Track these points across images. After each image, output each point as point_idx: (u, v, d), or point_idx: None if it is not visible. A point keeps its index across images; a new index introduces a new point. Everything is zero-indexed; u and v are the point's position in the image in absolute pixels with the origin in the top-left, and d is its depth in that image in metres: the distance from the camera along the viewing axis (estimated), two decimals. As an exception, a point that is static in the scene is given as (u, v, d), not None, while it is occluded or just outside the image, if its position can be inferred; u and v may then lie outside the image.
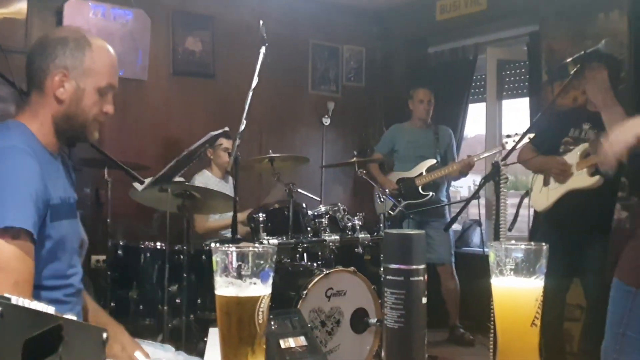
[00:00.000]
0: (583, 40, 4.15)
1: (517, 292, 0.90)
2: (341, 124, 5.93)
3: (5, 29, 4.25)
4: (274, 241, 3.48)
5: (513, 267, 0.90)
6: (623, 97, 2.94)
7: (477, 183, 2.55)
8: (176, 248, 3.47)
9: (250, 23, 4.55)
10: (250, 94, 2.86)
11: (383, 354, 0.90)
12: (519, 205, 3.49)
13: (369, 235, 3.76)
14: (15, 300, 0.76)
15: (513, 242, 0.93)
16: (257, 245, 0.89)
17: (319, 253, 3.73)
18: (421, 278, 0.90)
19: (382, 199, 4.04)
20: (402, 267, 0.89)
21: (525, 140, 3.22)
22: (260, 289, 0.86)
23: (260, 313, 0.86)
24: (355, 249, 3.73)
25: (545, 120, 3.32)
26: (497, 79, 5.44)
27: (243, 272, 0.86)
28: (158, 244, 3.58)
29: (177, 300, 3.37)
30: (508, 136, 3.95)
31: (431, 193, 4.67)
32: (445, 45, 5.74)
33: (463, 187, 7.03)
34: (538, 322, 0.91)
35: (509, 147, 3.73)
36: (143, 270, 3.57)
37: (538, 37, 4.91)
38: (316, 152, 5.66)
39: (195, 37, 5.17)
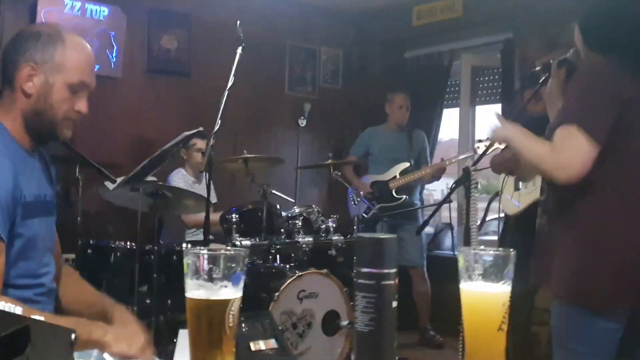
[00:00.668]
0: (555, 49, 4.21)
1: (485, 297, 0.91)
2: (317, 126, 5.94)
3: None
4: (247, 242, 3.48)
5: (481, 272, 0.91)
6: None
7: (451, 186, 2.57)
8: (147, 248, 3.44)
9: (228, 23, 4.50)
10: (226, 93, 2.85)
11: (353, 356, 0.91)
12: (487, 208, 3.53)
13: (342, 237, 3.77)
14: (-18, 300, 0.75)
15: (482, 247, 0.94)
16: (228, 247, 0.89)
17: (292, 255, 3.73)
18: (392, 282, 0.91)
19: (356, 202, 4.06)
20: (374, 270, 0.89)
21: (497, 145, 3.25)
22: (231, 292, 0.86)
23: (230, 316, 0.86)
24: (329, 251, 3.75)
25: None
26: (471, 84, 5.51)
27: (214, 275, 0.85)
28: (128, 243, 3.54)
29: (146, 301, 3.34)
30: (480, 141, 3.98)
31: (404, 196, 4.70)
32: (421, 50, 5.79)
33: (436, 190, 7.10)
34: (505, 327, 0.92)
35: (480, 151, 3.77)
36: (113, 270, 3.53)
37: (512, 45, 4.99)
38: (292, 153, 5.66)
39: (171, 35, 5.14)
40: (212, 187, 4.43)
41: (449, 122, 6.05)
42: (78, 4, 4.62)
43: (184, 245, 3.77)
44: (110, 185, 3.18)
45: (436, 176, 4.64)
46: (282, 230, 3.71)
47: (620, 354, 1.79)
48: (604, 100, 1.76)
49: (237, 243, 3.44)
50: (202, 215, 4.23)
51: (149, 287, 3.30)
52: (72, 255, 3.84)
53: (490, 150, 2.79)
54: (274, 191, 3.96)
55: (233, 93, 2.89)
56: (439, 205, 2.75)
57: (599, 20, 1.88)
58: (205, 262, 0.86)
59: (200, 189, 4.19)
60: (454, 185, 2.55)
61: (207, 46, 5.22)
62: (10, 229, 1.49)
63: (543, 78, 2.12)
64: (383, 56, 6.02)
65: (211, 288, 0.86)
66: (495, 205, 3.68)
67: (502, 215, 3.75)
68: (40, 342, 0.86)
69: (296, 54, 5.91)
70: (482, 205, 3.49)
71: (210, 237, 3.50)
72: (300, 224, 3.73)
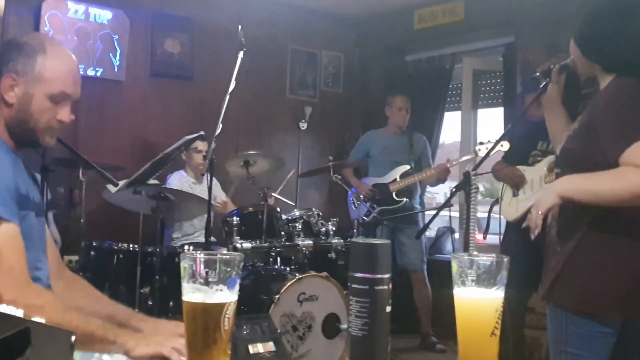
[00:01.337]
0: (557, 53, 4.22)
1: (478, 303, 0.92)
2: (318, 129, 5.95)
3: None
4: (247, 245, 3.49)
5: (475, 278, 0.92)
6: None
7: (452, 190, 2.58)
8: (149, 250, 3.45)
9: (230, 27, 4.54)
10: (228, 97, 2.87)
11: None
12: (489, 213, 3.54)
13: (342, 240, 3.78)
14: (-18, 304, 0.77)
15: (475, 253, 0.96)
16: (224, 252, 0.90)
17: (292, 257, 3.74)
18: (386, 287, 0.92)
19: (356, 205, 4.07)
20: (367, 275, 0.91)
21: (499, 149, 3.26)
22: (227, 295, 0.88)
23: (226, 320, 0.87)
24: (329, 254, 3.76)
25: (517, 132, 3.37)
26: (472, 88, 5.50)
27: (210, 279, 0.87)
28: (131, 245, 3.56)
29: (149, 303, 3.35)
30: (481, 143, 3.97)
31: (405, 199, 4.69)
32: (423, 53, 5.80)
33: (439, 193, 7.10)
34: (498, 332, 0.93)
35: (481, 154, 3.77)
36: (115, 272, 3.54)
37: (514, 49, 4.99)
38: (292, 156, 5.66)
39: (174, 39, 5.16)
40: (218, 185, 4.48)
41: (452, 125, 6.07)
42: (82, 8, 4.64)
43: (186, 247, 3.79)
44: (112, 188, 3.20)
45: (441, 178, 4.62)
46: (282, 233, 3.73)
47: (613, 357, 1.84)
48: None
49: (238, 245, 3.45)
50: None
51: (151, 289, 3.31)
52: (75, 257, 3.86)
53: (492, 152, 2.80)
54: (274, 194, 3.97)
55: (235, 96, 2.91)
56: (439, 209, 2.75)
57: (594, 35, 1.89)
58: (202, 266, 0.87)
59: (201, 190, 4.20)
60: (454, 189, 2.56)
61: (210, 50, 5.23)
62: None
63: (544, 83, 2.12)
64: (384, 60, 6.02)
65: (207, 291, 0.87)
66: (497, 209, 3.69)
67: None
68: (41, 344, 0.88)
69: (297, 57, 5.92)
70: (484, 208, 3.50)
71: (212, 239, 3.52)
72: (300, 227, 3.74)
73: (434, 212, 2.79)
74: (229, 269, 0.88)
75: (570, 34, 2.01)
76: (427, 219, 4.77)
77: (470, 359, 0.93)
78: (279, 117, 5.81)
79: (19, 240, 1.50)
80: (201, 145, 4.30)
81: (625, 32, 1.83)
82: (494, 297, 0.92)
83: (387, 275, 0.92)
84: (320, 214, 3.91)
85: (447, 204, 2.70)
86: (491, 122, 5.73)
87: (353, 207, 4.75)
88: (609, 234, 1.83)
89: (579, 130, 1.90)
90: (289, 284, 3.18)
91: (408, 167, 4.78)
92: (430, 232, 5.63)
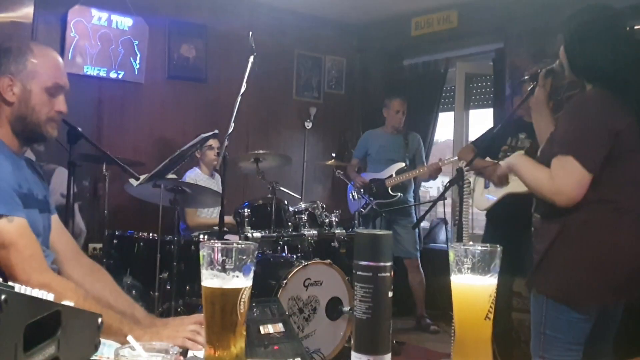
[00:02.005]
0: (543, 59, 4.20)
1: (473, 289, 0.92)
2: (322, 128, 5.95)
3: (12, 31, 4.19)
4: (258, 234, 3.50)
5: (470, 266, 0.92)
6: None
7: (445, 184, 2.58)
8: (167, 239, 3.46)
9: (241, 33, 4.53)
10: (239, 98, 2.86)
11: (352, 340, 0.92)
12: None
13: (344, 230, 3.79)
14: (18, 288, 0.77)
15: (471, 243, 0.95)
16: (240, 242, 0.90)
17: (299, 246, 3.75)
18: (388, 274, 0.91)
19: (355, 197, 4.07)
20: (371, 263, 0.90)
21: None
22: (242, 281, 0.87)
23: (241, 303, 0.87)
24: (332, 243, 3.76)
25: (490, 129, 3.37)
26: (465, 90, 5.49)
27: (227, 266, 0.87)
28: (151, 234, 3.56)
29: (167, 287, 3.36)
30: (473, 142, 3.97)
31: (399, 194, 4.71)
32: (419, 58, 5.78)
33: (433, 187, 7.08)
34: (491, 316, 0.93)
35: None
36: (136, 259, 3.55)
37: (503, 54, 4.98)
38: (298, 153, 5.67)
39: (190, 45, 5.15)
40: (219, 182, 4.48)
41: (445, 125, 6.05)
42: (105, 16, 4.64)
43: (201, 236, 3.79)
44: (134, 182, 3.20)
45: (432, 176, 4.63)
46: (289, 223, 3.73)
47: (588, 341, 1.86)
48: (598, 134, 1.80)
49: (249, 235, 3.46)
50: (202, 218, 4.28)
51: (169, 274, 3.32)
52: (100, 245, 3.88)
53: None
54: (282, 188, 3.97)
55: (245, 98, 2.90)
56: (434, 202, 2.75)
57: (581, 49, 1.88)
58: (219, 254, 0.87)
59: (213, 184, 4.24)
60: (447, 184, 2.56)
61: (222, 55, 5.23)
62: None
63: (531, 87, 2.12)
64: (383, 64, 6.01)
65: (224, 278, 0.87)
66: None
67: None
68: (70, 326, 0.88)
69: (303, 62, 5.91)
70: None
71: (225, 229, 3.52)
72: (305, 218, 3.75)
73: (427, 205, 2.80)
74: (244, 257, 0.87)
75: (556, 42, 2.01)
76: (421, 211, 4.78)
77: (467, 340, 0.93)
78: (286, 117, 5.80)
79: (30, 231, 1.50)
80: (213, 142, 4.30)
81: (612, 51, 1.83)
82: (488, 283, 0.92)
83: (389, 263, 0.92)
84: (324, 206, 3.91)
85: (441, 197, 2.70)
86: (482, 122, 5.71)
87: (352, 199, 4.76)
88: (592, 220, 1.82)
89: (553, 133, 1.92)
90: (295, 270, 3.18)
91: (403, 164, 4.78)
92: (425, 223, 5.63)
